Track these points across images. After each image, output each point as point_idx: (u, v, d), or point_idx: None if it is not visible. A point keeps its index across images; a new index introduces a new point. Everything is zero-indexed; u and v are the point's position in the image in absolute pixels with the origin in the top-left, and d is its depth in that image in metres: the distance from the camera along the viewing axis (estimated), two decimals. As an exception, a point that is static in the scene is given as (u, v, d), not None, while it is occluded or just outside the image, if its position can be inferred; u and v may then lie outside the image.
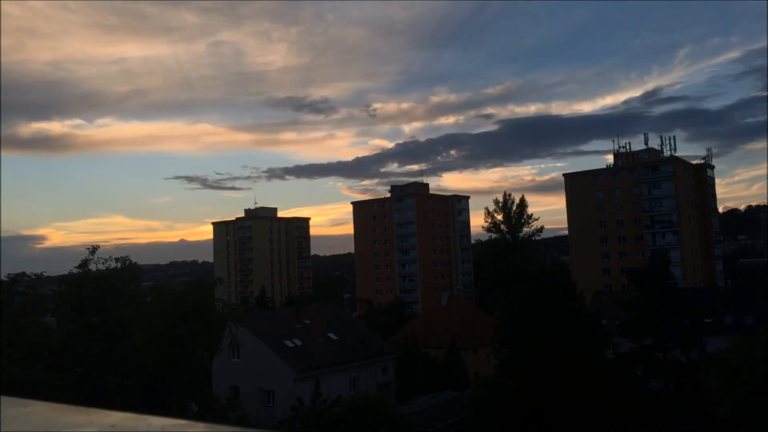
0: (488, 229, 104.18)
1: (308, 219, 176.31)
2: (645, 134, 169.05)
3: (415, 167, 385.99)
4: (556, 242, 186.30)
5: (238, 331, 33.94)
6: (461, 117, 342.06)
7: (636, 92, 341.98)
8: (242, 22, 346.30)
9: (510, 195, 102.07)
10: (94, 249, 25.45)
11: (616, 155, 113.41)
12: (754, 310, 58.17)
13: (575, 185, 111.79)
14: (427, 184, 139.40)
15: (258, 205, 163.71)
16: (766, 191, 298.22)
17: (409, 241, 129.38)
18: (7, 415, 1.43)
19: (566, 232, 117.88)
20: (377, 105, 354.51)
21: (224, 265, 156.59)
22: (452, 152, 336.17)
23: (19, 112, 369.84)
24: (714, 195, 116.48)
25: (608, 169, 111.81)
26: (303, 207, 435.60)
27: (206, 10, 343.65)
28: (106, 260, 25.65)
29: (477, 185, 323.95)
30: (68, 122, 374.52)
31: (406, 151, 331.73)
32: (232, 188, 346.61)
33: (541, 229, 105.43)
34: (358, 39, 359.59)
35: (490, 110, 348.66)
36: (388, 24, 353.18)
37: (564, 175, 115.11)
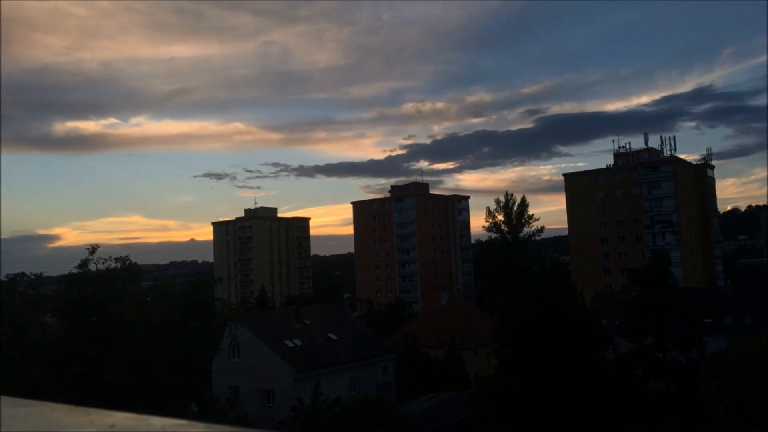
0: (489, 229, 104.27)
1: (308, 219, 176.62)
2: (645, 134, 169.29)
3: (442, 165, 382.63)
4: (556, 242, 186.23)
5: (238, 331, 33.96)
6: (494, 116, 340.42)
7: (677, 90, 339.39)
8: (297, 23, 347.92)
9: (512, 195, 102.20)
10: (93, 249, 25.45)
11: (616, 155, 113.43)
12: (754, 310, 58.19)
13: (575, 185, 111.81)
14: (427, 184, 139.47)
15: (258, 205, 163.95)
16: (766, 191, 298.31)
17: (409, 241, 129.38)
18: (7, 415, 1.43)
19: (566, 232, 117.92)
20: (413, 104, 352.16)
21: (224, 265, 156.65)
22: (483, 149, 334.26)
23: (58, 111, 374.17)
24: (714, 195, 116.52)
25: (608, 169, 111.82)
26: (332, 205, 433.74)
27: (264, 11, 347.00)
28: (106, 260, 25.67)
29: (494, 185, 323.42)
30: (103, 121, 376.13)
31: (436, 149, 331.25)
32: (257, 188, 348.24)
33: (541, 230, 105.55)
34: (407, 39, 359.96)
35: (526, 109, 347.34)
36: (440, 24, 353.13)
37: (564, 175, 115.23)
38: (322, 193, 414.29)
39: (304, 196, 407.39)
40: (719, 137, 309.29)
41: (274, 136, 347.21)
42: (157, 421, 1.34)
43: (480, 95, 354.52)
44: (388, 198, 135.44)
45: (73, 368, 23.88)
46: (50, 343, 24.12)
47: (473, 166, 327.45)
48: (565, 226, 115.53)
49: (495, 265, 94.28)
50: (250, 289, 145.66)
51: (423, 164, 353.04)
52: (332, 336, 50.85)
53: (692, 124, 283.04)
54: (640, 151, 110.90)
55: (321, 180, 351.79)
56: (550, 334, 36.12)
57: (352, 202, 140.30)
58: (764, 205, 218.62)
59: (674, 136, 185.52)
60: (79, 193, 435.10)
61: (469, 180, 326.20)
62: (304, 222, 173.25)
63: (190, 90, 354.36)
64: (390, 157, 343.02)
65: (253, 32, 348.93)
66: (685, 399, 36.75)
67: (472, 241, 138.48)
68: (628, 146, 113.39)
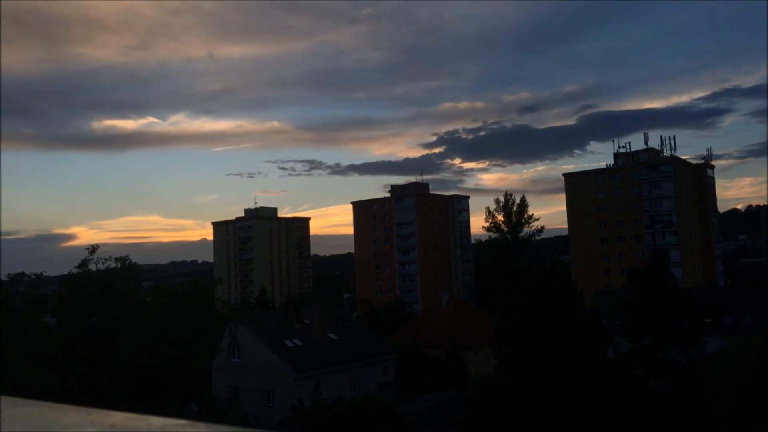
0: (489, 230, 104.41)
1: (308, 219, 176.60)
2: (645, 134, 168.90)
3: (471, 164, 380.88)
4: (556, 242, 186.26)
5: (238, 331, 33.97)
6: (533, 115, 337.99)
7: (718, 88, 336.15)
8: (357, 23, 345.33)
9: (511, 195, 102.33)
10: (93, 249, 25.47)
11: (616, 155, 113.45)
12: (754, 310, 58.22)
13: (575, 185, 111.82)
14: (427, 184, 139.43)
15: (258, 205, 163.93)
16: (766, 191, 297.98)
17: (409, 241, 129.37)
18: (7, 415, 1.43)
19: (566, 232, 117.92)
20: (452, 104, 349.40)
21: (224, 265, 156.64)
22: (519, 146, 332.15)
23: (100, 110, 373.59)
24: (714, 195, 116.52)
25: (608, 169, 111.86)
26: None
27: (327, 11, 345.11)
28: (106, 260, 25.68)
29: (515, 184, 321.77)
30: (142, 120, 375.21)
31: (468, 147, 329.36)
32: (281, 190, 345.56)
33: (541, 230, 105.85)
34: (459, 38, 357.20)
35: (566, 107, 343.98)
36: (497, 24, 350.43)
37: (564, 175, 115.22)
38: (354, 191, 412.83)
39: (337, 194, 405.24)
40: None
41: (309, 135, 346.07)
42: (157, 421, 1.34)
43: (521, 94, 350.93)
44: (388, 198, 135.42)
45: (73, 368, 23.88)
46: (50, 343, 24.12)
47: (503, 165, 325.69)
48: (565, 226, 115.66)
49: (495, 265, 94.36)
50: (250, 289, 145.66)
51: (455, 162, 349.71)
52: (332, 336, 50.85)
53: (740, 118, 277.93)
54: (640, 151, 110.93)
55: (354, 178, 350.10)
56: (549, 335, 36.13)
57: (352, 202, 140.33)
58: (764, 205, 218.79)
59: (674, 136, 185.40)
60: (106, 192, 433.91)
61: (491, 179, 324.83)
62: (304, 222, 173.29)
63: (235, 89, 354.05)
64: (425, 155, 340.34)
65: (309, 32, 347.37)
66: (685, 399, 36.75)
67: (472, 241, 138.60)
68: (628, 146, 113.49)
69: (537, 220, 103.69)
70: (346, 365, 48.56)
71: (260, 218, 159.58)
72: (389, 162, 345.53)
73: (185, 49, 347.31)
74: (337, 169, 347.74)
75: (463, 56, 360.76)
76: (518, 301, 39.86)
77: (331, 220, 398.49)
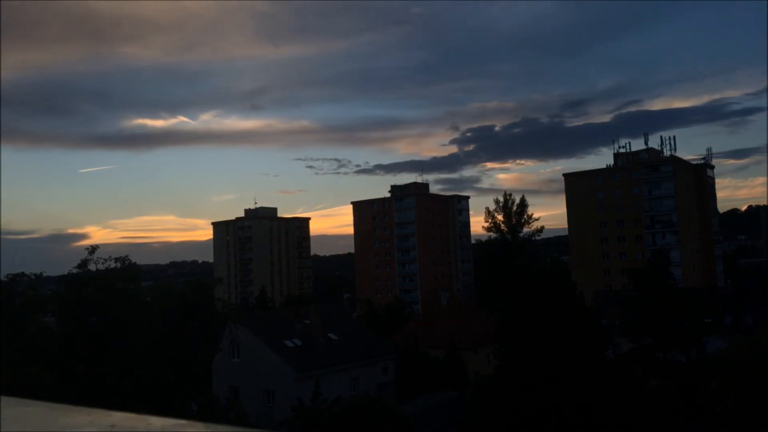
0: (488, 230, 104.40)
1: (308, 219, 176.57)
2: (645, 134, 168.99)
3: (496, 164, 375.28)
4: (556, 242, 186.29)
5: (238, 330, 33.97)
6: (566, 113, 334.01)
7: (754, 89, 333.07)
8: (404, 24, 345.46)
9: (510, 195, 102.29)
10: (93, 249, 25.45)
11: (616, 155, 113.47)
12: (754, 310, 58.20)
13: (575, 185, 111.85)
14: (427, 184, 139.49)
15: (258, 206, 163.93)
16: (766, 191, 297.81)
17: (409, 241, 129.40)
18: (7, 415, 1.43)
19: (566, 232, 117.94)
20: (483, 104, 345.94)
21: (224, 265, 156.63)
22: (545, 145, 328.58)
23: (133, 110, 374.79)
24: (714, 195, 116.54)
25: (608, 169, 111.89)
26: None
27: (378, 12, 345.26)
28: (106, 260, 25.67)
29: (535, 184, 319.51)
30: (173, 119, 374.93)
31: (493, 146, 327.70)
32: (301, 189, 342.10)
33: (541, 230, 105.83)
34: (498, 39, 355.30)
35: (596, 107, 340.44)
36: (540, 23, 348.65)
37: (564, 175, 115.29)
38: (379, 190, 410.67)
39: (362, 193, 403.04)
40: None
41: (337, 134, 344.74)
42: (157, 421, 1.34)
43: (555, 94, 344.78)
44: (388, 198, 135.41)
45: (73, 368, 23.87)
46: (50, 343, 24.11)
47: (526, 164, 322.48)
48: (565, 225, 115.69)
49: (495, 265, 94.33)
50: (250, 289, 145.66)
51: (479, 161, 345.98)
52: (332, 336, 50.85)
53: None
54: (640, 151, 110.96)
55: (379, 177, 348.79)
56: (549, 334, 36.12)
57: (352, 202, 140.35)
58: (764, 206, 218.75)
59: (674, 136, 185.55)
60: (127, 191, 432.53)
61: (508, 178, 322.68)
62: (304, 222, 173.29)
63: (270, 88, 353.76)
64: (452, 154, 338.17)
65: (350, 32, 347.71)
66: (685, 399, 36.75)
67: (473, 241, 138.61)
68: (628, 146, 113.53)
69: (537, 220, 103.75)
70: (346, 365, 48.56)
71: (260, 218, 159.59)
72: (415, 161, 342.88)
73: (230, 49, 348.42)
74: (364, 168, 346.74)
75: (498, 56, 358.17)
76: (518, 301, 39.83)
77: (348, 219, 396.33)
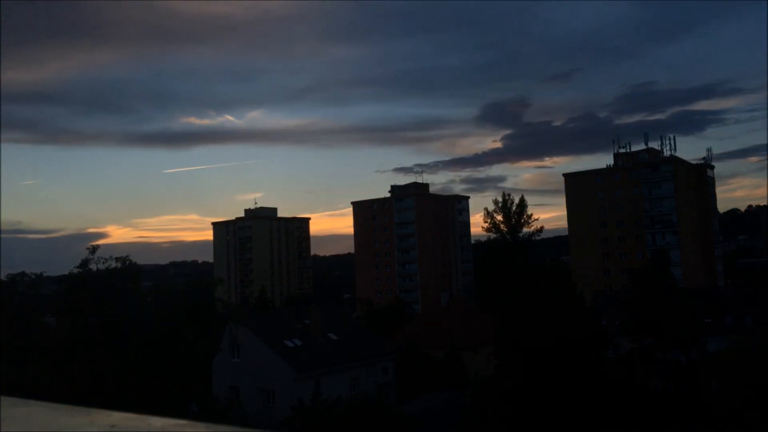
0: (488, 230, 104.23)
1: (308, 219, 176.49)
2: (645, 134, 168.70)
3: (530, 163, 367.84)
4: (556, 242, 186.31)
5: (238, 330, 33.98)
6: (605, 112, 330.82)
7: None
8: (464, 25, 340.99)
9: (509, 195, 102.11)
10: (94, 249, 25.47)
11: (617, 155, 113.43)
12: (754, 310, 58.19)
13: (575, 185, 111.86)
14: (427, 184, 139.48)
15: (258, 206, 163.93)
16: (766, 191, 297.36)
17: (409, 241, 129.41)
18: (7, 415, 1.43)
19: (566, 232, 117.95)
20: (518, 106, 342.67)
21: (224, 265, 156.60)
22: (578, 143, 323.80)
23: (184, 108, 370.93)
24: (714, 195, 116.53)
25: (608, 169, 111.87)
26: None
27: (451, 12, 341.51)
28: (107, 260, 25.69)
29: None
30: (219, 118, 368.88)
31: (525, 145, 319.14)
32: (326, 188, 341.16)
33: (541, 230, 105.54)
34: (557, 38, 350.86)
35: (651, 106, 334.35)
36: (594, 24, 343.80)
37: (564, 175, 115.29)
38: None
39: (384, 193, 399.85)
40: None
41: (376, 134, 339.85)
42: (157, 421, 1.34)
43: (605, 92, 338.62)
44: (388, 198, 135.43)
45: (73, 368, 23.87)
46: (50, 343, 24.11)
47: (560, 162, 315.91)
48: (565, 225, 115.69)
49: (495, 265, 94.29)
50: (250, 289, 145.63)
51: (511, 159, 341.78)
52: (332, 336, 50.86)
53: None
54: (640, 152, 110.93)
55: (412, 177, 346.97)
56: (549, 334, 36.12)
57: (352, 203, 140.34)
58: (764, 206, 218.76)
59: (674, 137, 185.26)
60: (159, 188, 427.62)
61: (530, 178, 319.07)
62: (303, 222, 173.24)
63: (318, 87, 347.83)
64: (485, 152, 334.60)
65: (406, 32, 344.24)
66: (685, 399, 36.75)
67: (473, 241, 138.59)
68: (628, 146, 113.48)
69: (536, 220, 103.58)
70: (346, 365, 48.57)
71: (260, 218, 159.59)
72: (451, 160, 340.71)
73: (294, 48, 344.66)
74: (401, 168, 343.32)
75: (552, 57, 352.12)
76: (518, 301, 39.86)
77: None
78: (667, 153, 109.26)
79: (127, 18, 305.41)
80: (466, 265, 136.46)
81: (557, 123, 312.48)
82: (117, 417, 1.39)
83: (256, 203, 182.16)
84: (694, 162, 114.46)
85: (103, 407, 1.43)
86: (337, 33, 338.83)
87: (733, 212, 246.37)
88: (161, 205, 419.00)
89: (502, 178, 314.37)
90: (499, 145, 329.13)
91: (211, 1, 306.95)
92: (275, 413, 40.52)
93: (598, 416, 33.82)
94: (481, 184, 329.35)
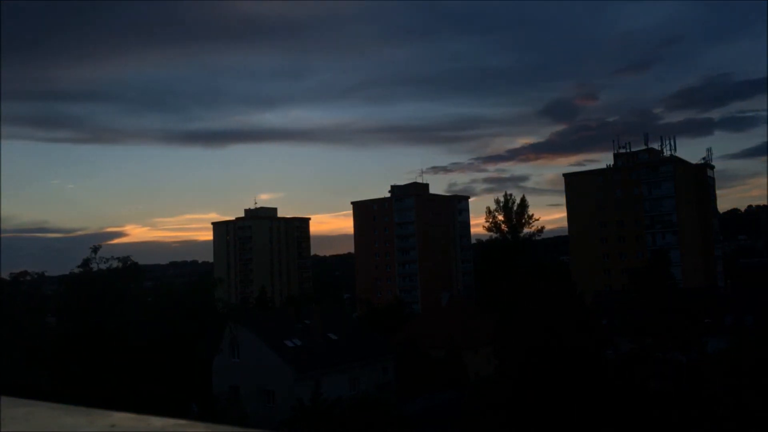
0: (489, 229, 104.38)
1: (308, 219, 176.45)
2: (645, 134, 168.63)
3: (563, 160, 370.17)
4: (556, 242, 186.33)
5: (238, 330, 33.98)
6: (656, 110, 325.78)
7: None
8: (519, 27, 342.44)
9: (511, 195, 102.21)
10: (95, 248, 25.46)
11: (616, 155, 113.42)
12: (754, 310, 58.16)
13: (576, 185, 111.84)
14: (427, 185, 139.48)
15: (258, 206, 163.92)
16: (766, 191, 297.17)
17: (409, 241, 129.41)
18: (7, 415, 1.43)
19: (566, 231, 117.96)
20: (579, 101, 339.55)
21: (224, 265, 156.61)
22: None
23: (228, 107, 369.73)
24: (714, 195, 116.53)
25: (608, 169, 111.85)
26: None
27: (505, 11, 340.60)
28: (108, 260, 25.69)
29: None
30: (259, 116, 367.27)
31: (569, 144, 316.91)
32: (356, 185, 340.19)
33: (541, 230, 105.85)
34: (606, 41, 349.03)
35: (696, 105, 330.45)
36: (646, 24, 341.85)
37: (564, 175, 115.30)
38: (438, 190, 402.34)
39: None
40: None
41: (417, 134, 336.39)
42: (157, 421, 1.34)
43: (653, 90, 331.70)
44: (388, 198, 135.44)
45: (73, 368, 23.88)
46: (51, 343, 24.12)
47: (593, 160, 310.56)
48: (565, 225, 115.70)
49: (495, 265, 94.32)
50: (250, 289, 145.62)
51: (543, 157, 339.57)
52: (332, 336, 50.85)
53: None
54: (640, 152, 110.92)
55: (448, 177, 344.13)
56: (549, 334, 36.13)
57: (352, 203, 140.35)
58: (764, 205, 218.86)
59: (674, 137, 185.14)
60: (184, 187, 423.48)
61: (550, 177, 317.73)
62: (304, 222, 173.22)
63: (363, 86, 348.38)
64: (523, 147, 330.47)
65: (460, 33, 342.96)
66: (685, 399, 36.74)
67: (473, 241, 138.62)
68: (628, 146, 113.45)
69: (537, 220, 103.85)
70: (346, 365, 48.57)
71: (260, 218, 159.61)
72: (489, 157, 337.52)
73: (346, 48, 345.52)
74: (438, 168, 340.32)
75: (601, 57, 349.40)
76: (518, 301, 39.86)
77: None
78: (667, 153, 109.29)
79: (183, 17, 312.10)
80: (466, 265, 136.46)
81: (610, 119, 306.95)
82: (117, 417, 1.39)
83: (256, 203, 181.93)
84: (694, 162, 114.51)
85: (103, 407, 1.43)
86: (391, 33, 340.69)
87: (733, 212, 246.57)
88: (183, 204, 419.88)
89: (521, 177, 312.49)
90: (541, 140, 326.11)
91: (272, 1, 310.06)
92: (275, 413, 40.54)
93: (598, 416, 33.83)
94: (511, 183, 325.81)
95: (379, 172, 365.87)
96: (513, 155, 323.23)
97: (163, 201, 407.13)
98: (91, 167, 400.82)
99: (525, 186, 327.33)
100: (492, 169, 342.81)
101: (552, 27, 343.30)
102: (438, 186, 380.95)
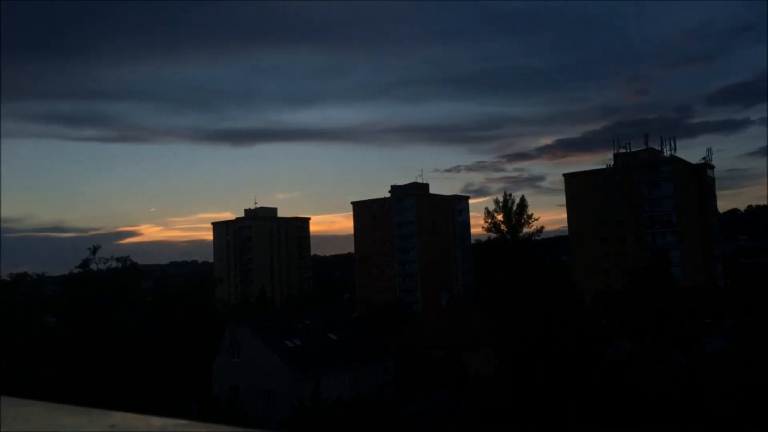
0: (488, 230, 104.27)
1: (308, 219, 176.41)
2: (645, 134, 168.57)
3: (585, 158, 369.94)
4: (557, 242, 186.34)
5: (238, 330, 33.99)
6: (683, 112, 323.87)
7: None
8: (547, 29, 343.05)
9: (510, 195, 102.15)
10: (95, 249, 25.46)
11: (616, 155, 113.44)
12: (754, 310, 58.17)
13: (576, 185, 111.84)
14: (427, 185, 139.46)
15: (258, 206, 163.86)
16: (766, 191, 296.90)
17: (409, 241, 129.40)
18: (7, 415, 1.43)
19: (566, 231, 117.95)
20: (607, 102, 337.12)
21: (224, 265, 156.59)
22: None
23: (261, 106, 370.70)
24: (714, 195, 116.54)
25: (608, 169, 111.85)
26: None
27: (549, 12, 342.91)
28: (107, 260, 25.70)
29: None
30: (299, 114, 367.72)
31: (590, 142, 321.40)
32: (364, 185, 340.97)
33: (541, 230, 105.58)
34: (642, 42, 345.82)
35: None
36: (683, 23, 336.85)
37: (564, 175, 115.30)
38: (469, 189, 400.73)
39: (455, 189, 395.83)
40: None
41: (443, 133, 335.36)
42: (157, 421, 1.35)
43: (683, 92, 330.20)
44: (388, 198, 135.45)
45: (73, 368, 23.88)
46: (50, 343, 24.13)
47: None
48: (565, 225, 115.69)
49: (495, 265, 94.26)
50: (250, 289, 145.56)
51: (566, 155, 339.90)
52: (332, 336, 50.86)
53: None
54: (640, 152, 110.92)
55: (470, 175, 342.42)
56: (549, 335, 36.13)
57: (352, 203, 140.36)
58: (764, 205, 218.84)
59: (674, 137, 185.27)
60: (207, 186, 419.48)
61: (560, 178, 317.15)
62: (304, 222, 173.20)
63: (396, 85, 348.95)
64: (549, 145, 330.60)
65: (506, 33, 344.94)
66: (685, 399, 36.74)
67: (473, 241, 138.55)
68: (628, 146, 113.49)
69: (537, 220, 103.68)
70: (346, 365, 48.57)
71: (260, 218, 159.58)
72: (515, 154, 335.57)
73: (383, 47, 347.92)
74: (469, 167, 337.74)
75: (635, 59, 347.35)
76: (518, 302, 39.88)
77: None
78: (667, 153, 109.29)
79: (223, 16, 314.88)
80: (466, 265, 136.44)
81: (651, 116, 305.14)
82: (117, 417, 1.39)
83: (256, 203, 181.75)
84: (694, 162, 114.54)
85: (103, 407, 1.43)
86: (435, 33, 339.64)
87: (733, 212, 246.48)
88: (200, 203, 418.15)
89: (538, 177, 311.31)
90: (576, 136, 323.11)
91: (314, 1, 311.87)
92: (275, 413, 40.54)
93: (598, 416, 33.82)
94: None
95: (399, 171, 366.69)
96: (539, 153, 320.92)
97: (180, 200, 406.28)
98: (114, 166, 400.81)
99: (540, 186, 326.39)
100: (510, 169, 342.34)
101: (592, 25, 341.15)
102: (455, 185, 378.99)
